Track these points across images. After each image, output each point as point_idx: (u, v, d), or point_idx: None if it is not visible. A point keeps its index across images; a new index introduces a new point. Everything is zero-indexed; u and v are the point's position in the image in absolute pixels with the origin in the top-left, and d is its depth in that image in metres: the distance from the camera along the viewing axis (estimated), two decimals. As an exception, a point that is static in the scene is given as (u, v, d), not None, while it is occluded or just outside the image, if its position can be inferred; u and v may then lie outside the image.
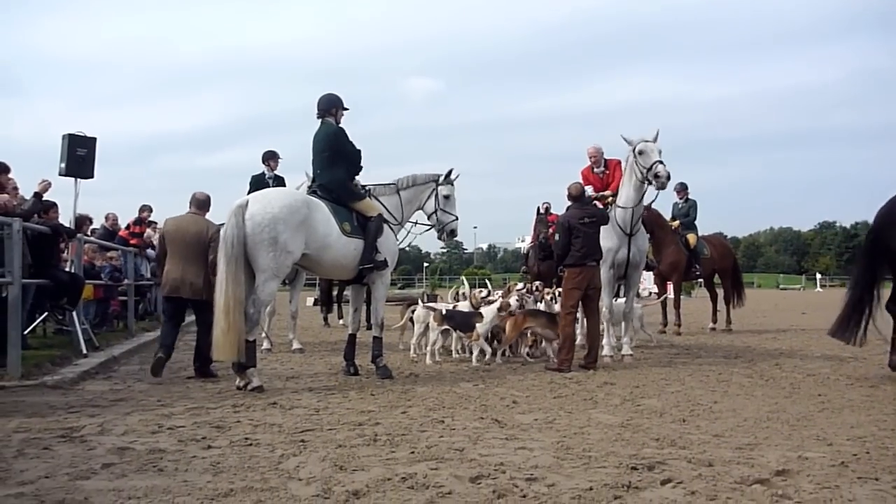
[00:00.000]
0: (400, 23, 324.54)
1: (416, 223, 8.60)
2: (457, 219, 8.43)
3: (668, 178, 8.78)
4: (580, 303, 8.66)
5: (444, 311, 9.11)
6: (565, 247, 8.54)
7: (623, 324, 9.67)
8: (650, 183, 8.95)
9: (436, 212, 8.33)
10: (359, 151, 7.81)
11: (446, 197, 8.34)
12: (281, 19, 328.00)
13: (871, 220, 8.05)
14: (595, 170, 9.98)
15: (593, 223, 8.61)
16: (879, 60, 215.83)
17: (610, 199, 9.60)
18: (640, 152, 8.93)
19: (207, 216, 8.12)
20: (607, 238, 9.26)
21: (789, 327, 15.61)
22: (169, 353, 7.76)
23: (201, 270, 7.65)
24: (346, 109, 7.85)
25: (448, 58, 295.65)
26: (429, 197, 8.34)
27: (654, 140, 8.95)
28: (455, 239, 8.59)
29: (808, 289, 62.24)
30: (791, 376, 7.82)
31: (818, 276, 65.88)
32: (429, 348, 9.06)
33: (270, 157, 10.66)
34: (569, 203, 8.87)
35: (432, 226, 8.47)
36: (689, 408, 5.91)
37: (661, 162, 8.78)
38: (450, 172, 8.43)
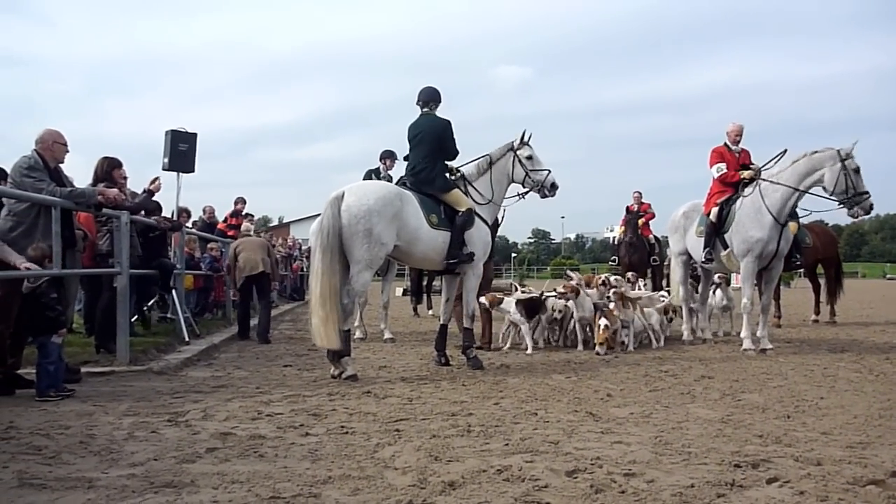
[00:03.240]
0: (488, 11, 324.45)
1: (521, 195, 8.52)
2: (550, 171, 8.23)
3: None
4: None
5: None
6: None
7: (762, 317, 9.36)
8: (842, 204, 8.64)
9: (527, 175, 8.18)
10: (458, 152, 7.87)
11: (529, 157, 8.17)
12: (369, 13, 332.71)
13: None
14: (732, 147, 9.69)
15: None
16: None
17: (746, 175, 9.35)
18: (857, 171, 8.54)
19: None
20: (758, 228, 8.96)
21: (899, 320, 14.79)
22: (248, 333, 10.64)
23: (266, 257, 10.68)
24: (439, 103, 7.95)
25: (536, 45, 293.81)
26: (513, 166, 8.19)
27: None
28: (557, 190, 8.32)
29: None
30: (904, 372, 7.41)
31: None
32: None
33: (388, 157, 11.01)
34: None
35: (531, 189, 8.31)
36: (793, 403, 5.67)
37: (868, 194, 8.56)
38: (522, 135, 8.21)
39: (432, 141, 7.68)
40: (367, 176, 10.79)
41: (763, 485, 3.51)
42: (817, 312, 14.08)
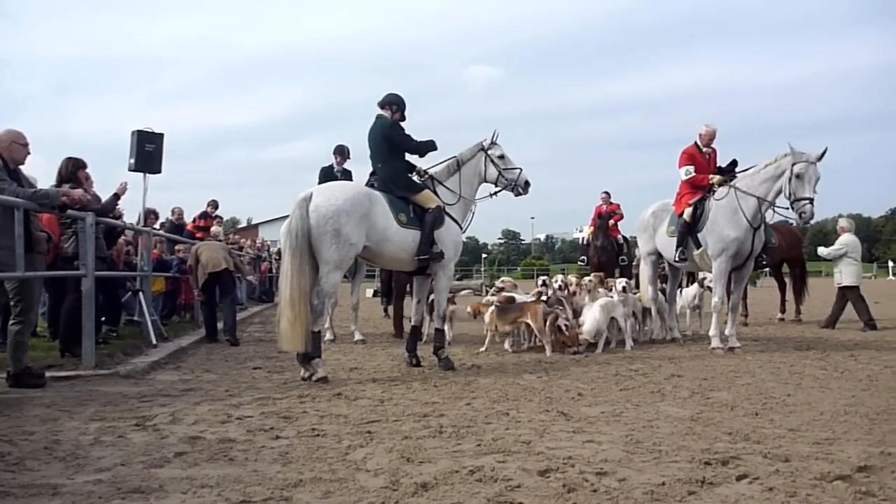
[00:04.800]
0: (459, 12, 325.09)
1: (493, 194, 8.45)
2: (522, 170, 8.22)
3: (811, 219, 8.55)
4: None
5: None
6: None
7: (730, 315, 9.39)
8: (790, 208, 8.63)
9: (500, 174, 8.18)
10: (412, 144, 7.78)
11: (500, 157, 8.18)
12: (338, 13, 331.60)
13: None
14: (703, 149, 9.69)
15: None
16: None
17: (715, 181, 9.38)
18: (798, 175, 8.46)
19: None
20: (734, 227, 8.98)
21: (862, 318, 15.02)
22: (216, 335, 10.52)
23: (228, 255, 10.62)
24: (404, 119, 7.90)
25: (507, 45, 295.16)
26: (486, 166, 8.19)
27: (820, 159, 8.54)
28: (530, 188, 8.32)
29: (880, 277, 60.08)
30: (867, 368, 7.55)
31: (890, 264, 63.42)
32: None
33: (339, 152, 10.98)
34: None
35: (504, 187, 8.27)
36: (761, 401, 5.74)
37: (811, 202, 8.41)
38: (493, 135, 8.20)
39: (382, 141, 7.71)
40: (322, 173, 10.70)
41: (733, 482, 3.54)
42: (783, 311, 14.30)
